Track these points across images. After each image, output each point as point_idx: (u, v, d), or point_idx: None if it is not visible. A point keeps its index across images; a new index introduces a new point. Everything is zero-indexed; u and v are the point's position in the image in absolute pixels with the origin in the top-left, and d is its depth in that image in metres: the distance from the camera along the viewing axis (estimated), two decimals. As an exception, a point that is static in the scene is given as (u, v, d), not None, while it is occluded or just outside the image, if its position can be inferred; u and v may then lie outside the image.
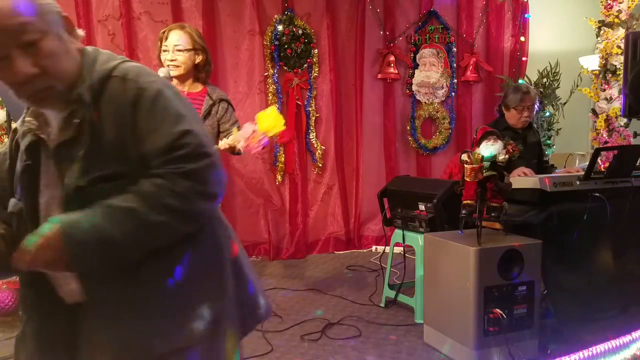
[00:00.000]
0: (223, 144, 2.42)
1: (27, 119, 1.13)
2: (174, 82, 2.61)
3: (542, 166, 3.33)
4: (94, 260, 0.98)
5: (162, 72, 2.53)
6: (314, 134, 4.83)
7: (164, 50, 2.58)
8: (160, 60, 2.63)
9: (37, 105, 1.08)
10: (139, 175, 1.02)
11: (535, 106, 3.21)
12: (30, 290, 1.16)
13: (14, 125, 2.70)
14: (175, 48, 2.55)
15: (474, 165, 2.34)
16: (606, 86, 4.38)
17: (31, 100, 1.05)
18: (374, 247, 5.01)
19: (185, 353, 1.11)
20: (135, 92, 1.04)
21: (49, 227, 0.96)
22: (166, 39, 2.59)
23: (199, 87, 2.65)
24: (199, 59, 2.60)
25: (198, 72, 2.64)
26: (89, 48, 1.13)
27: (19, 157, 1.13)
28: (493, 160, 2.35)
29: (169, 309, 1.08)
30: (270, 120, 2.29)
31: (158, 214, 1.00)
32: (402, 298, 3.28)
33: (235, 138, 2.35)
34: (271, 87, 4.61)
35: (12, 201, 1.14)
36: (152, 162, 1.02)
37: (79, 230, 0.96)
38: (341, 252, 4.88)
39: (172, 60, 2.56)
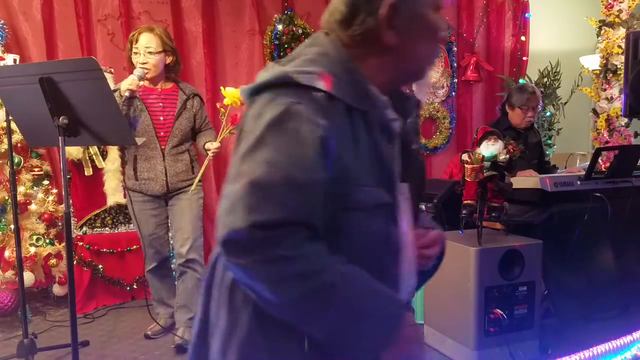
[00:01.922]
0: (214, 148, 2.66)
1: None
2: (147, 82, 2.72)
3: (543, 166, 3.33)
4: None
5: (138, 72, 2.61)
6: (314, 133, 4.82)
7: (135, 53, 2.67)
8: (130, 62, 2.73)
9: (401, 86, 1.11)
10: None
11: (539, 107, 3.23)
12: None
13: (13, 125, 2.63)
14: (147, 50, 2.64)
15: (475, 165, 2.33)
16: (607, 86, 4.37)
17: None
18: (374, 247, 4.99)
19: None
20: None
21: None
22: (136, 41, 2.68)
23: (170, 85, 2.80)
24: (169, 59, 2.74)
25: (168, 72, 2.78)
26: None
27: (379, 140, 0.97)
28: (494, 160, 2.34)
29: None
30: (232, 96, 2.54)
31: None
32: (402, 298, 3.27)
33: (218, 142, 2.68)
34: (271, 87, 4.59)
35: (377, 191, 0.96)
36: None
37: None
38: (341, 252, 4.86)
39: (144, 63, 2.65)
